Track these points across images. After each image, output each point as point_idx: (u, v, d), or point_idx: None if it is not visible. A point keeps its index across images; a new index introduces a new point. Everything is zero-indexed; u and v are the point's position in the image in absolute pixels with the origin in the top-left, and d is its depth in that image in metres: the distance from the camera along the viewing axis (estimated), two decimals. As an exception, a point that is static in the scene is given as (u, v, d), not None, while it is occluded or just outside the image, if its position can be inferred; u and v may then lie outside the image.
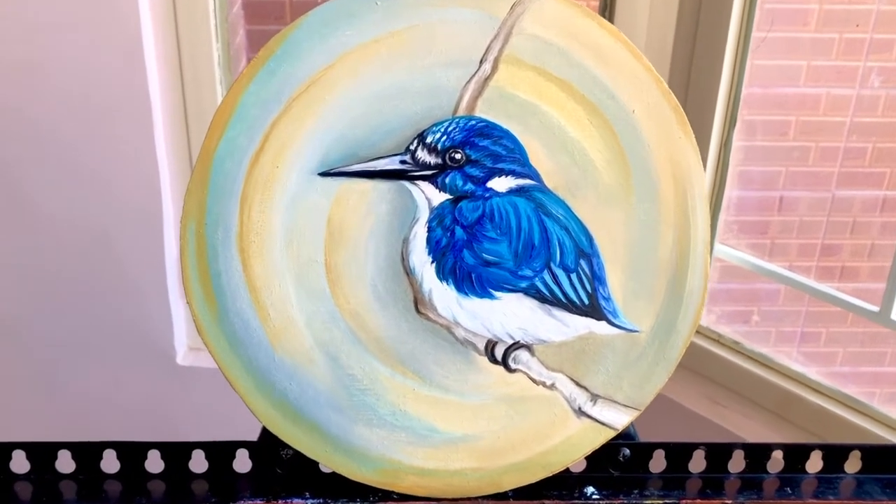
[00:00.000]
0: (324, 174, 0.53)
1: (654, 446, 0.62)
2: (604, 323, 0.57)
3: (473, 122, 0.54)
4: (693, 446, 0.62)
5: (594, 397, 0.58)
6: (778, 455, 0.62)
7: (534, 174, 0.55)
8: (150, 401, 1.45)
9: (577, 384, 0.58)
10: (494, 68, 0.54)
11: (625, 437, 0.60)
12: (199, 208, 0.53)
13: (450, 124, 0.54)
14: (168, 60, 1.27)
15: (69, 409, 1.45)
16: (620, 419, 0.58)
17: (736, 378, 1.37)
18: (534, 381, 0.57)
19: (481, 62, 0.53)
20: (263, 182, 0.53)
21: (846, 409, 1.28)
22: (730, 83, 1.28)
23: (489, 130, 0.54)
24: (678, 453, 0.62)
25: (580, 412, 0.58)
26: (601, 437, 0.58)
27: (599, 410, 0.58)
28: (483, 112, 0.54)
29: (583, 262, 0.56)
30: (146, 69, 1.22)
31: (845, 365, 2.01)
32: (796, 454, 0.62)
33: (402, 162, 0.54)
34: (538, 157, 0.55)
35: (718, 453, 0.62)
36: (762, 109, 1.77)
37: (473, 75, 0.54)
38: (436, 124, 0.54)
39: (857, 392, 1.30)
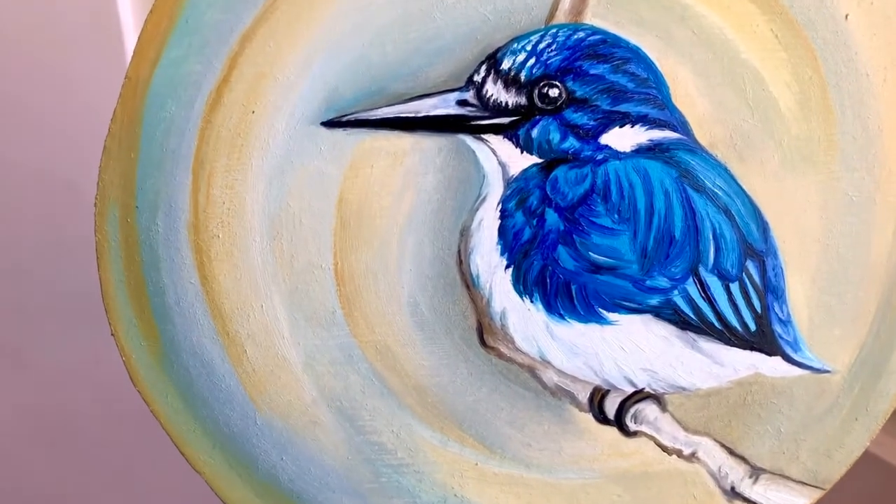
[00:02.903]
0: (331, 123, 0.32)
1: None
2: (778, 359, 0.36)
3: (581, 35, 0.32)
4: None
5: (756, 472, 0.37)
6: None
7: (678, 122, 0.33)
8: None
9: (732, 453, 0.37)
10: (620, -59, 0.32)
11: (790, 521, 0.40)
12: (123, 182, 0.32)
13: (541, 39, 0.32)
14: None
15: (39, 387, 1.26)
16: (794, 503, 0.37)
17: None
18: (664, 448, 0.36)
19: (598, -70, 0.32)
20: (230, 137, 0.32)
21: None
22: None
23: (607, 49, 0.32)
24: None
25: (733, 494, 0.37)
26: (762, 530, 0.38)
27: (763, 491, 0.37)
28: (598, 17, 0.32)
29: (750, 266, 0.34)
30: (114, -13, 1.00)
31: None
32: None
33: (462, 103, 0.32)
34: (688, 93, 0.33)
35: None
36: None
37: (584, -47, 0.32)
38: (518, 39, 0.32)
39: None
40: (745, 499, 0.37)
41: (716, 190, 0.34)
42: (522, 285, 0.34)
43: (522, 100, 0.32)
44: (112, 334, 0.33)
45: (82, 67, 1.03)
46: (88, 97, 1.07)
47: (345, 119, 0.32)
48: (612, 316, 0.34)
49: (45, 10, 0.98)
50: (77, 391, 1.25)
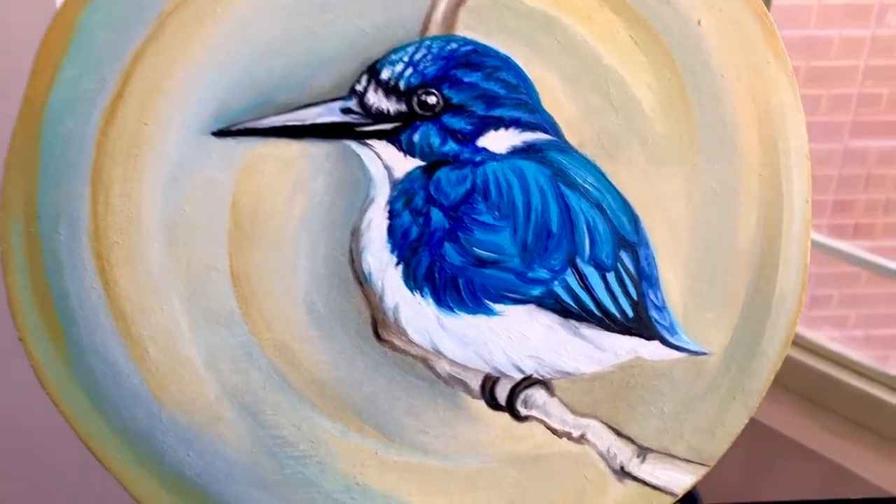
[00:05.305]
0: (222, 133, 0.34)
1: (723, 509, 0.44)
2: (656, 343, 0.38)
3: (454, 46, 0.35)
4: (778, 507, 0.44)
5: (643, 451, 0.39)
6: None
7: (549, 124, 0.36)
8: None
9: (619, 434, 0.39)
10: (484, -42, 0.34)
11: (683, 499, 0.42)
12: (25, 195, 0.34)
13: (417, 50, 0.34)
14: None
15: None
16: (681, 480, 0.40)
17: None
18: (554, 431, 0.39)
19: (463, -51, 0.34)
20: (126, 149, 0.34)
21: (890, 392, 1.12)
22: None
23: (479, 58, 0.35)
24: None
25: (623, 473, 0.39)
26: (653, 507, 0.40)
27: (651, 470, 0.39)
28: (469, 29, 0.35)
29: (624, 256, 0.37)
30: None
31: (858, 328, 1.87)
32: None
33: (346, 111, 0.35)
34: (556, 97, 0.36)
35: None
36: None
37: (451, -30, 0.34)
38: (395, 50, 0.34)
39: (870, 356, 1.15)
40: (634, 478, 0.39)
41: (587, 186, 0.36)
42: (413, 281, 0.36)
43: (403, 107, 0.35)
44: (20, 339, 0.35)
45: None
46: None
47: (235, 128, 0.34)
48: (498, 307, 0.36)
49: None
50: (44, 428, 1.24)
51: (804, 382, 1.16)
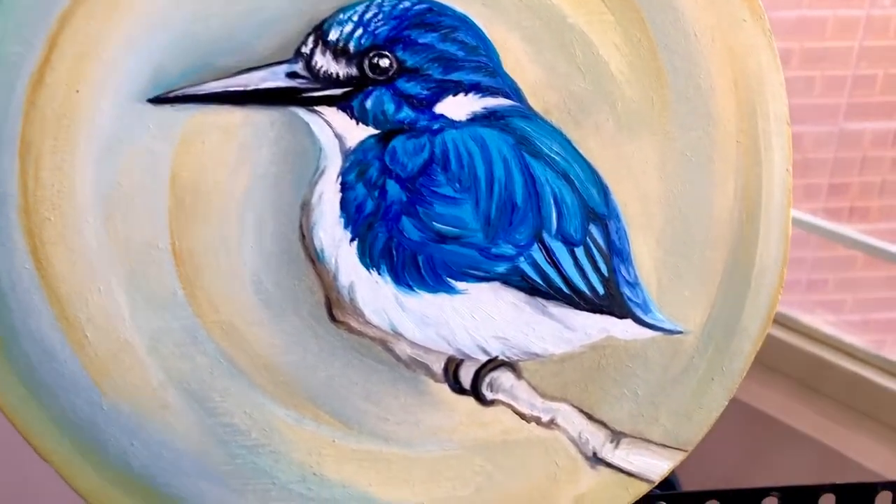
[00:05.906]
0: (159, 100, 0.32)
1: (705, 496, 0.42)
2: (629, 322, 0.36)
3: (407, 5, 0.32)
4: (762, 493, 0.42)
5: (616, 436, 0.37)
6: (887, 497, 0.42)
7: (511, 89, 0.34)
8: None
9: (591, 418, 0.37)
10: None
11: (662, 486, 0.40)
12: (-53, 167, 0.32)
13: (367, 8, 0.32)
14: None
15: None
16: (657, 466, 0.38)
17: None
18: (522, 416, 0.37)
19: None
20: (56, 118, 0.31)
21: (886, 376, 1.10)
22: None
23: (435, 17, 0.33)
24: (740, 504, 0.42)
25: (595, 459, 0.37)
26: (628, 495, 0.38)
27: (625, 455, 0.37)
28: (422, -14, 0.32)
29: (594, 229, 0.35)
30: None
31: (855, 312, 1.85)
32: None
33: (291, 75, 0.32)
34: (518, 59, 0.33)
35: (798, 499, 0.42)
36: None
37: (402, -78, 0.32)
38: (344, 9, 0.32)
39: (867, 341, 1.14)
40: (607, 464, 0.37)
41: (553, 156, 0.34)
42: (369, 258, 0.34)
43: (353, 70, 0.32)
44: (-53, 324, 0.33)
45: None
46: None
47: (172, 95, 0.32)
48: (460, 285, 0.34)
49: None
50: None
51: (800, 367, 1.14)
